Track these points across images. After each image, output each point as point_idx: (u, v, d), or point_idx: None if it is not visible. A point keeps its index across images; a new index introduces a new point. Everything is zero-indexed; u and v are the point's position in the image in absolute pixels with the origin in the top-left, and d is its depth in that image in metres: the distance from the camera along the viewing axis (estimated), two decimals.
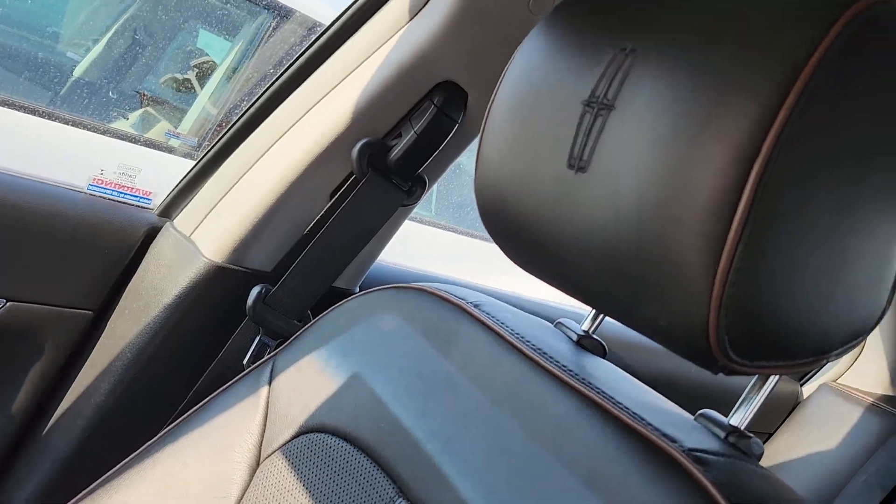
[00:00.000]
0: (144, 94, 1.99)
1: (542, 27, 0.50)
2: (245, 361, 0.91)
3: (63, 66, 1.93)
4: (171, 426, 0.65)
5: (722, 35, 0.38)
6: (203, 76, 2.04)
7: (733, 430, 0.47)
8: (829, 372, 1.65)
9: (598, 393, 0.49)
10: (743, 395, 0.48)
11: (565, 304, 1.36)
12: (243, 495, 0.59)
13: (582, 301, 0.49)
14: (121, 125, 1.88)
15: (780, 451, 1.56)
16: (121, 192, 0.95)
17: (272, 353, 0.67)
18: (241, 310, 0.89)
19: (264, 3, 1.94)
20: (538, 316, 0.64)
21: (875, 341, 1.57)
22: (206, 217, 0.93)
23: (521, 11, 0.76)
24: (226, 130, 0.96)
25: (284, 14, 1.96)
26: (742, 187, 0.35)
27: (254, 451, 0.61)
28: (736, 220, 0.35)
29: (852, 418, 1.52)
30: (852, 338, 0.42)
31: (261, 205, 0.87)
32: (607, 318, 0.60)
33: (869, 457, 1.44)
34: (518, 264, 0.53)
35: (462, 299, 0.60)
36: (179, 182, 0.99)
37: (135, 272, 0.94)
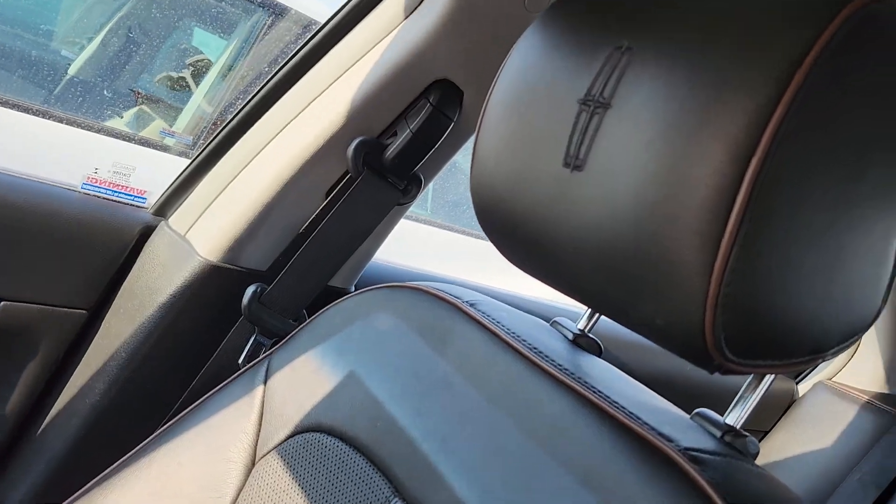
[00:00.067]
0: (139, 93, 1.98)
1: (538, 25, 0.50)
2: (240, 361, 0.90)
3: (57, 65, 1.92)
4: (166, 426, 0.65)
5: (719, 33, 0.38)
6: (198, 74, 2.04)
7: (729, 430, 0.47)
8: (825, 370, 1.65)
9: (593, 392, 0.49)
10: (739, 394, 0.48)
11: (561, 302, 1.37)
12: (239, 495, 0.59)
13: (578, 300, 0.48)
14: (115, 123, 1.88)
15: (776, 450, 1.56)
16: (115, 191, 0.94)
17: (267, 353, 0.67)
18: (236, 309, 0.89)
19: (259, 0, 1.93)
20: (534, 314, 0.64)
21: (871, 339, 1.58)
22: (200, 216, 0.92)
23: (516, 9, 0.76)
24: (221, 129, 0.95)
25: (279, 12, 1.96)
26: (739, 185, 0.35)
27: (249, 450, 0.61)
28: (732, 218, 0.35)
29: (847, 416, 1.52)
30: (849, 336, 0.41)
31: (256, 203, 0.87)
32: (603, 317, 0.60)
33: (864, 455, 1.45)
34: (514, 263, 0.53)
35: (458, 298, 0.60)
36: (174, 181, 0.98)
37: (129, 271, 0.94)
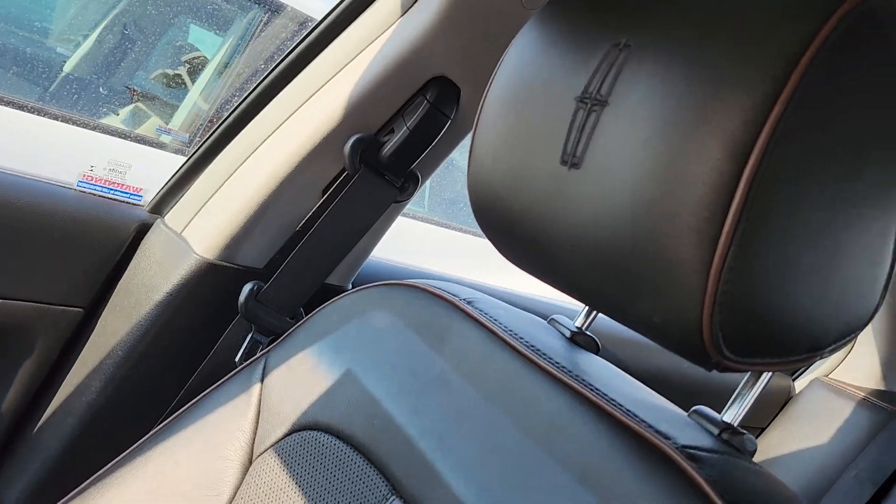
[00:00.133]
0: (135, 90, 1.98)
1: (535, 22, 0.49)
2: (237, 359, 0.90)
3: (53, 62, 1.91)
4: (162, 424, 0.65)
5: (717, 30, 0.38)
6: (194, 71, 2.03)
7: (727, 427, 0.47)
8: (821, 367, 1.65)
9: (591, 390, 0.49)
10: (736, 392, 0.48)
11: (558, 300, 1.37)
12: (236, 493, 0.59)
13: (575, 298, 0.48)
14: (111, 121, 1.87)
15: (772, 446, 1.57)
16: (111, 189, 0.94)
17: (264, 351, 0.67)
18: (232, 307, 0.89)
19: None
20: (531, 312, 0.64)
21: (867, 336, 1.58)
22: (197, 213, 0.92)
23: (513, 6, 0.76)
24: (217, 126, 0.95)
25: (275, 9, 1.95)
26: (736, 183, 0.35)
27: (246, 448, 0.61)
28: (730, 216, 0.35)
29: (844, 413, 1.52)
30: (846, 334, 0.41)
31: (252, 201, 0.87)
32: (600, 315, 0.60)
33: (860, 451, 1.45)
34: (511, 261, 0.53)
35: (455, 296, 0.60)
36: (170, 178, 0.98)
37: (125, 269, 0.94)
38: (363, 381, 0.57)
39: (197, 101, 2.00)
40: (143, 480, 0.61)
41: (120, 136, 1.79)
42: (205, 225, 0.90)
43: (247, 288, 0.88)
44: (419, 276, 1.19)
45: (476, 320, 0.57)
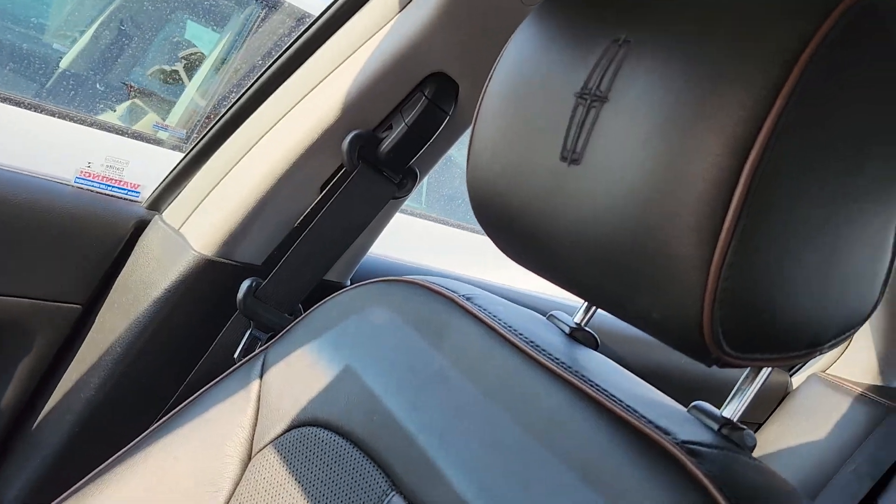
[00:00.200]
0: (132, 86, 1.97)
1: (533, 17, 0.49)
2: (236, 355, 0.90)
3: (49, 58, 1.91)
4: (161, 421, 0.65)
5: (716, 26, 0.38)
6: (191, 68, 2.03)
7: (726, 422, 0.47)
8: (819, 362, 1.66)
9: (590, 385, 0.49)
10: (735, 387, 0.48)
11: (556, 296, 1.37)
12: (235, 489, 0.59)
13: (574, 293, 0.48)
14: (108, 117, 1.87)
15: (770, 442, 1.57)
16: (109, 185, 0.94)
17: (263, 347, 0.67)
18: (231, 303, 0.89)
19: None
20: (529, 309, 0.64)
21: (864, 332, 1.58)
22: (195, 210, 0.92)
23: (512, 2, 0.76)
24: (215, 122, 0.95)
25: (273, 5, 1.95)
26: (737, 179, 0.35)
27: (245, 445, 0.61)
28: (730, 212, 0.35)
29: (841, 408, 1.53)
30: (845, 329, 0.42)
31: (250, 197, 0.87)
32: (599, 311, 0.60)
33: (858, 446, 1.45)
34: (510, 257, 0.53)
35: (454, 292, 0.60)
36: (168, 174, 0.98)
37: (123, 266, 0.94)
38: (362, 377, 0.57)
39: (194, 97, 2.00)
40: (142, 477, 0.61)
41: (117, 133, 1.78)
42: (203, 221, 0.90)
43: (245, 284, 0.88)
44: (417, 272, 1.19)
45: (475, 316, 0.57)
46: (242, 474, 0.59)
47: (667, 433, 0.44)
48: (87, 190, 0.92)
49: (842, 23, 0.34)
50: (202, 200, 0.92)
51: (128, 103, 1.95)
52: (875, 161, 0.37)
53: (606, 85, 0.41)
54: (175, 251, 0.90)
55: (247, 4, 1.96)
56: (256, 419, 0.62)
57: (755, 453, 0.46)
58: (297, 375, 0.61)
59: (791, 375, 1.69)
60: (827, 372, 1.64)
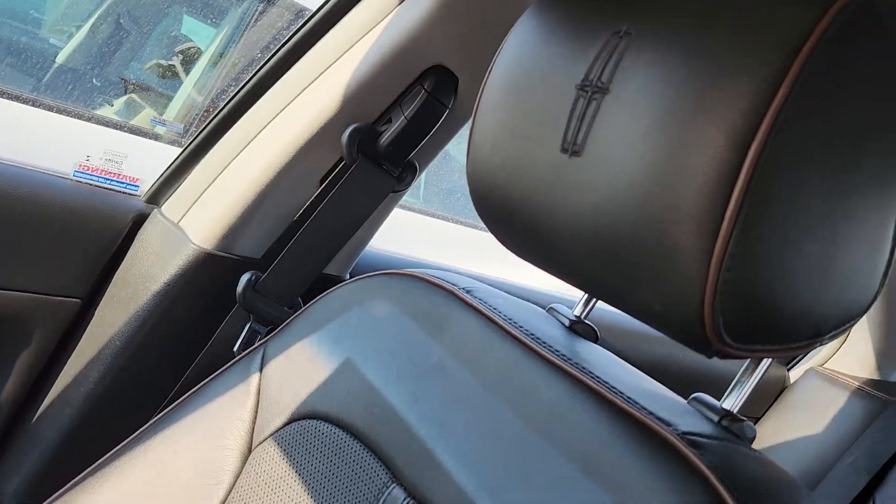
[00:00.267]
0: (129, 81, 1.97)
1: (534, 10, 0.49)
2: (235, 349, 0.90)
3: (46, 53, 1.90)
4: (161, 414, 0.65)
5: (716, 18, 0.38)
6: (188, 62, 2.02)
7: (726, 414, 0.47)
8: (816, 357, 1.66)
9: (591, 377, 0.49)
10: (735, 379, 0.48)
11: (556, 291, 1.37)
12: (235, 482, 0.59)
13: (575, 286, 0.48)
14: (105, 112, 1.86)
15: (768, 436, 1.57)
16: (107, 179, 0.94)
17: (263, 340, 0.67)
18: (230, 297, 0.89)
19: None
20: (529, 302, 0.64)
21: (861, 326, 1.59)
22: (194, 204, 0.92)
23: None
24: (214, 115, 0.95)
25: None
26: (738, 170, 0.35)
27: (245, 437, 0.61)
28: (731, 203, 0.35)
29: (839, 402, 1.53)
30: (846, 321, 0.42)
31: (250, 191, 0.87)
32: (597, 306, 0.60)
33: (855, 440, 1.46)
34: (511, 249, 0.53)
35: (454, 285, 0.60)
36: (167, 168, 0.98)
37: (123, 259, 0.94)
38: (362, 369, 0.57)
39: (191, 92, 1.99)
40: (142, 470, 0.61)
41: (114, 128, 1.78)
42: (202, 215, 0.90)
43: (245, 278, 0.88)
44: (417, 266, 1.19)
45: (475, 309, 0.57)
46: (243, 467, 0.60)
47: (667, 424, 0.44)
48: (86, 183, 0.92)
49: (839, 19, 0.34)
50: (201, 194, 0.91)
51: (125, 98, 1.94)
52: (872, 158, 0.38)
53: (607, 77, 0.41)
54: (174, 245, 0.89)
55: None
56: (256, 412, 0.62)
57: (753, 447, 0.46)
58: (296, 368, 0.61)
59: (789, 370, 1.70)
60: (824, 366, 1.64)
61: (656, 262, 0.38)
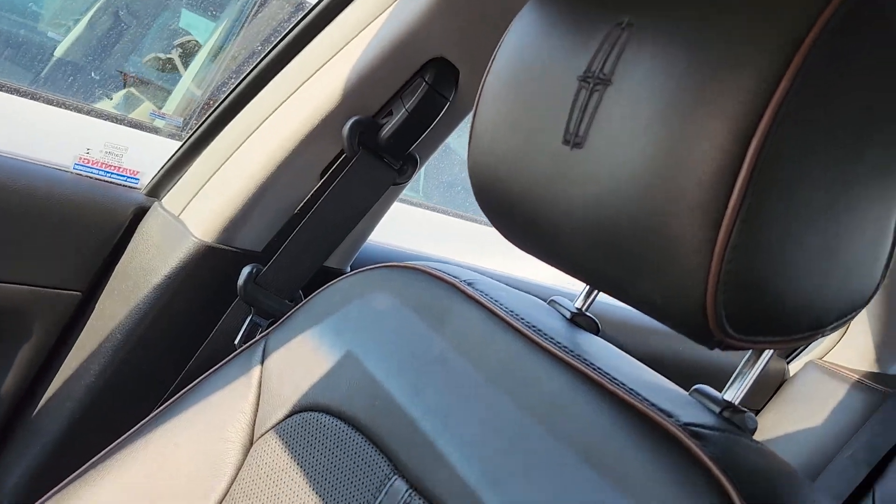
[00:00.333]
0: (127, 75, 1.96)
1: (535, 2, 0.49)
2: (236, 342, 0.90)
3: (45, 46, 1.90)
4: (162, 407, 0.65)
5: (719, 9, 0.38)
6: (187, 56, 2.02)
7: (727, 406, 0.47)
8: (816, 349, 1.66)
9: (592, 369, 0.49)
10: (736, 371, 0.48)
11: (556, 284, 1.37)
12: (237, 475, 0.59)
13: (577, 278, 0.48)
14: (104, 105, 1.86)
15: (767, 429, 1.57)
16: (108, 172, 0.94)
17: (264, 333, 0.67)
18: (231, 290, 0.89)
19: None
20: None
21: (861, 318, 1.59)
22: (194, 196, 0.92)
23: None
24: (214, 108, 0.95)
25: None
26: (740, 162, 0.35)
27: (247, 430, 0.61)
28: (734, 195, 0.35)
29: (838, 395, 1.53)
30: (847, 313, 0.42)
31: (250, 184, 0.87)
32: (598, 298, 0.60)
33: (854, 432, 1.46)
34: (512, 242, 0.53)
35: (455, 277, 0.60)
36: (167, 161, 0.98)
37: (123, 252, 0.94)
38: (364, 362, 0.57)
39: (190, 85, 1.99)
40: (143, 463, 0.61)
41: (114, 121, 1.78)
42: (203, 208, 0.90)
43: (245, 270, 0.88)
44: (418, 259, 1.19)
45: (476, 301, 0.57)
46: (244, 460, 0.60)
47: (669, 416, 0.44)
48: (86, 176, 0.92)
49: (842, 10, 0.34)
50: (202, 187, 0.91)
51: (123, 91, 1.94)
52: (875, 149, 0.37)
53: (609, 68, 0.41)
54: (175, 238, 0.89)
55: None
56: (258, 405, 0.62)
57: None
58: (298, 361, 0.61)
59: (788, 363, 1.70)
60: (824, 359, 1.64)
61: (658, 254, 0.38)
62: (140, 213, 0.95)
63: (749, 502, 0.38)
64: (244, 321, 0.90)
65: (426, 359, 0.55)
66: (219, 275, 0.90)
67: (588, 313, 0.60)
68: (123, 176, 0.95)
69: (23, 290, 0.89)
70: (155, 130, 1.88)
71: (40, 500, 0.61)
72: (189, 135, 0.96)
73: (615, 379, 0.48)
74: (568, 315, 0.60)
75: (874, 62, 0.36)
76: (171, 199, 0.95)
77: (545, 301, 0.63)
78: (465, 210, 2.47)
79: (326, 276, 0.81)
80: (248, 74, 0.92)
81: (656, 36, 0.39)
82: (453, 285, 0.59)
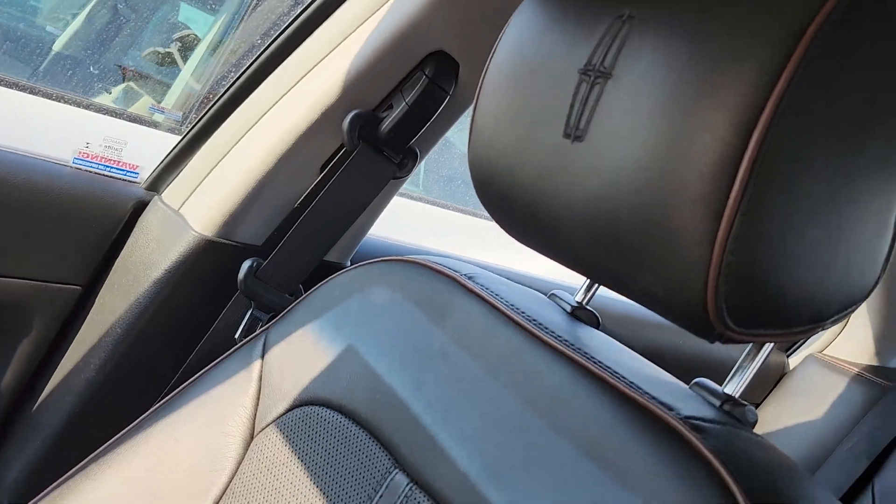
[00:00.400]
0: (126, 69, 1.96)
1: None
2: (237, 336, 0.90)
3: (43, 41, 1.89)
4: (162, 402, 0.65)
5: (720, 2, 0.38)
6: (186, 50, 2.01)
7: (728, 399, 0.47)
8: (816, 343, 1.66)
9: (593, 362, 0.49)
10: (737, 365, 0.48)
11: (556, 279, 1.37)
12: (237, 469, 0.59)
13: (578, 271, 0.48)
14: (103, 100, 1.86)
15: (767, 422, 1.58)
16: (107, 166, 0.94)
17: (264, 327, 0.67)
18: (231, 284, 0.89)
19: None
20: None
21: (861, 312, 1.59)
22: (194, 191, 0.92)
23: None
24: (214, 102, 0.95)
25: None
26: (742, 155, 0.35)
27: (247, 424, 0.61)
28: (735, 188, 0.35)
29: (838, 388, 1.53)
30: (848, 305, 0.42)
31: (250, 178, 0.87)
32: (598, 292, 0.60)
33: (854, 426, 1.46)
34: (513, 235, 0.53)
35: (456, 271, 0.60)
36: (167, 155, 0.97)
37: (123, 247, 0.94)
38: (364, 356, 0.57)
39: (189, 79, 1.99)
40: (143, 457, 0.61)
41: (112, 115, 1.77)
42: (203, 202, 0.90)
43: (246, 265, 0.88)
44: (418, 253, 1.19)
45: (477, 295, 0.57)
46: (245, 454, 0.60)
47: (670, 409, 0.44)
48: (86, 171, 0.92)
49: (843, 3, 0.34)
50: (202, 181, 0.91)
51: (123, 86, 1.93)
52: (877, 141, 0.37)
53: (610, 61, 0.41)
54: (175, 232, 0.89)
55: None
56: (258, 399, 0.62)
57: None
58: (298, 355, 0.61)
59: (788, 356, 1.70)
60: (823, 352, 1.65)
61: (659, 247, 0.38)
62: (140, 207, 0.95)
63: (749, 495, 0.38)
64: (244, 315, 0.90)
65: (427, 353, 0.55)
66: (219, 269, 0.90)
67: (589, 307, 0.60)
68: (123, 170, 0.95)
69: (22, 285, 0.89)
70: (154, 125, 1.87)
71: (40, 495, 0.61)
72: (189, 129, 0.96)
73: (616, 372, 0.48)
74: (568, 309, 0.60)
75: (876, 54, 0.36)
76: (171, 193, 0.95)
77: (546, 295, 0.63)
78: (465, 204, 2.47)
79: (327, 270, 0.81)
80: (247, 68, 0.92)
81: (657, 28, 0.39)
82: (454, 279, 0.59)
